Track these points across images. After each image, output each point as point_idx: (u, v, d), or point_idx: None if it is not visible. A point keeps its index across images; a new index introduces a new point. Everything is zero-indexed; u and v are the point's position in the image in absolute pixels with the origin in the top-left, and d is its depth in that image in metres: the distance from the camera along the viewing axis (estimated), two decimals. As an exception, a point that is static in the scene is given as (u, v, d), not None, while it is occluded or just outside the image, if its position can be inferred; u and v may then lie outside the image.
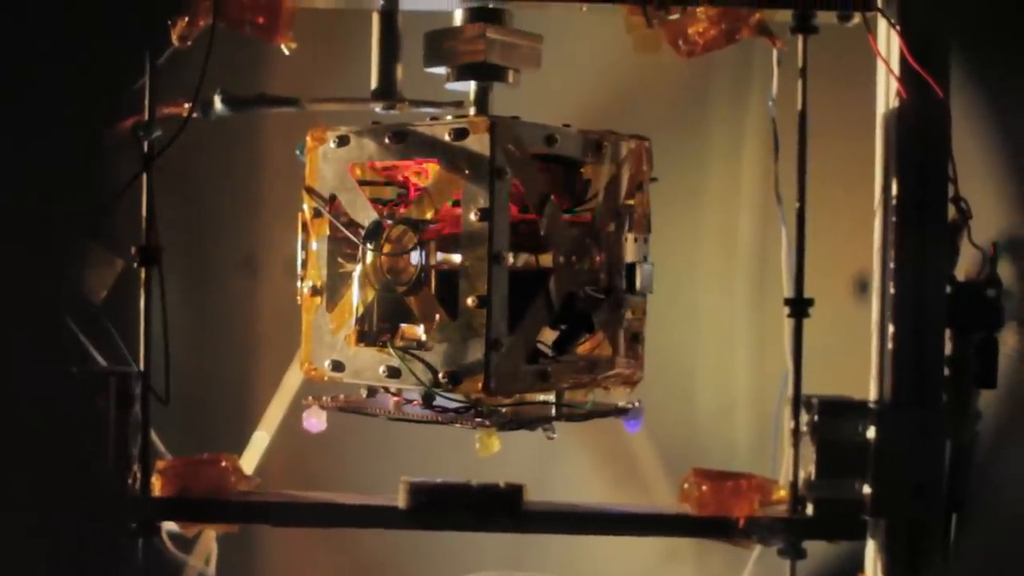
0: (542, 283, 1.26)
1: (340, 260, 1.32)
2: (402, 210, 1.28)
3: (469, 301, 1.21)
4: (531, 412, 1.31)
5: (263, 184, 1.85)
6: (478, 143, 1.21)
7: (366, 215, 1.29)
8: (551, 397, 1.32)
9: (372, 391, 1.33)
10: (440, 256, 1.28)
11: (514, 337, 1.23)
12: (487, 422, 1.26)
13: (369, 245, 1.27)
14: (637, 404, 1.38)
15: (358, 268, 1.28)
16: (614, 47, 1.50)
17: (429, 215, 1.25)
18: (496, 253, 1.20)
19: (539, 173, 1.27)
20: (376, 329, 1.29)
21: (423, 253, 1.25)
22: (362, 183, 1.32)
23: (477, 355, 1.21)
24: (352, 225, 1.29)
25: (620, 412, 1.37)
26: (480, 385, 1.21)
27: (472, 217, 1.21)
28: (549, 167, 1.29)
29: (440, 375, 1.23)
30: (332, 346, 1.31)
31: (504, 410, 1.27)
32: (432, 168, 1.28)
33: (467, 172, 1.21)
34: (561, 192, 1.31)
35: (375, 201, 1.31)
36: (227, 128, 1.48)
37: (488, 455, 1.28)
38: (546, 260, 1.29)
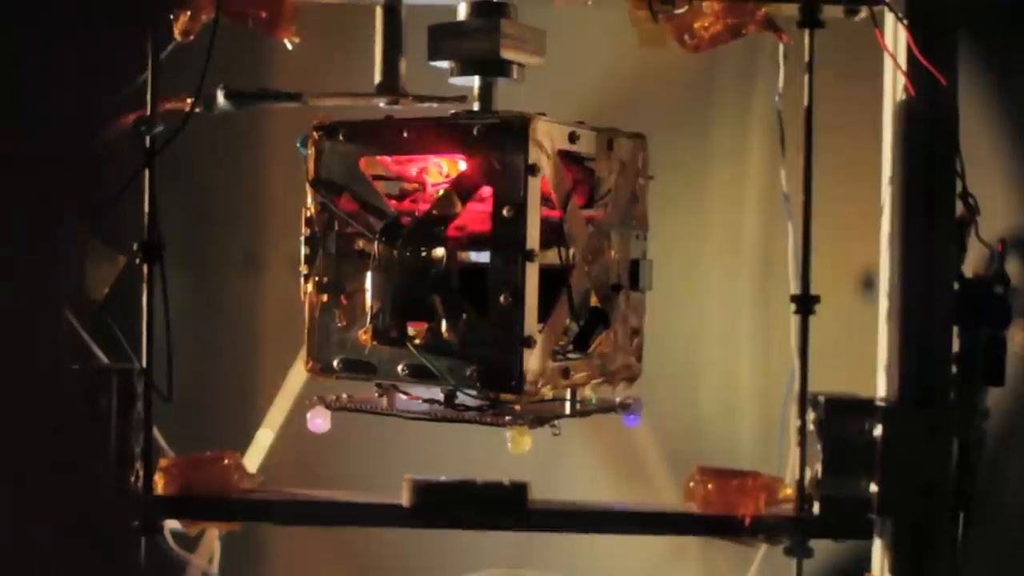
0: (562, 280, 1.25)
1: (350, 256, 1.31)
2: (423, 206, 1.27)
3: (501, 299, 1.20)
4: (544, 409, 1.30)
5: (266, 180, 1.85)
6: (512, 139, 1.20)
7: (382, 211, 1.27)
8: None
9: (384, 389, 1.31)
10: (463, 253, 1.27)
11: (543, 334, 1.22)
12: (520, 420, 1.24)
13: (386, 241, 1.25)
14: (637, 399, 1.38)
15: (372, 265, 1.27)
16: (618, 42, 1.49)
17: (455, 211, 1.24)
18: (529, 250, 1.20)
19: (564, 170, 1.26)
20: (390, 327, 1.28)
21: (448, 250, 1.24)
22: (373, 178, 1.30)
23: (510, 353, 1.20)
24: (364, 220, 1.28)
25: (623, 407, 1.37)
26: (514, 383, 1.20)
27: (505, 214, 1.20)
28: (568, 164, 1.29)
29: (468, 373, 1.22)
30: (342, 345, 1.29)
31: (517, 407, 1.26)
32: (447, 163, 1.28)
33: (500, 169, 1.21)
34: (578, 189, 1.30)
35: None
36: (231, 123, 1.48)
37: (520, 453, 1.27)
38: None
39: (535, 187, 1.20)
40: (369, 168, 1.30)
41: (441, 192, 1.26)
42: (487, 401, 1.24)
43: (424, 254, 1.24)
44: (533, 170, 1.20)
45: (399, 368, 1.26)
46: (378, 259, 1.26)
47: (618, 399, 1.38)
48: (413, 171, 1.31)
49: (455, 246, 1.25)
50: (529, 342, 1.20)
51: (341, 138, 1.29)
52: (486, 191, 1.22)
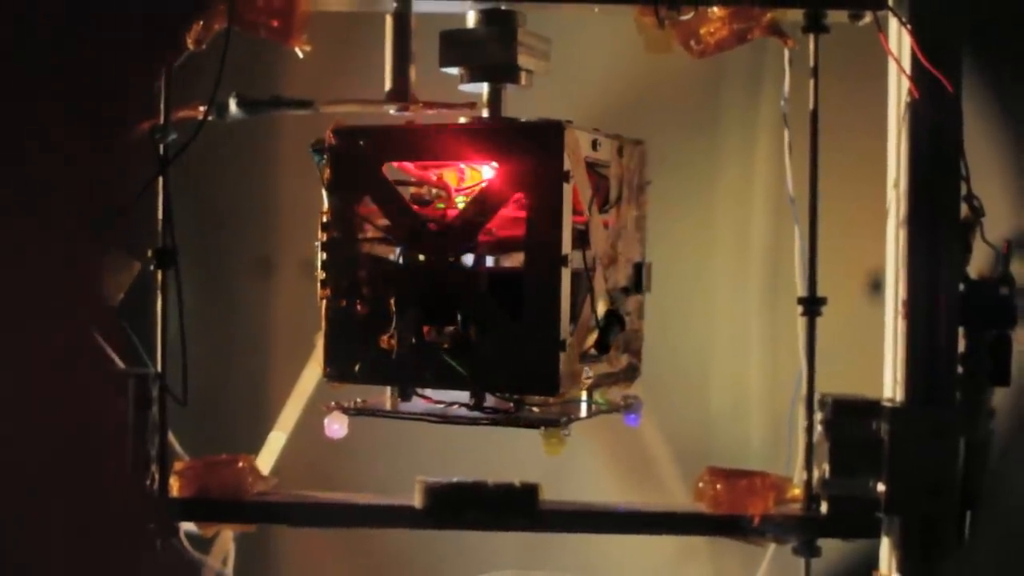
0: (585, 283, 1.26)
1: (368, 261, 1.30)
2: (451, 212, 1.28)
3: (536, 303, 1.21)
4: (560, 411, 1.31)
5: (277, 185, 1.86)
6: (547, 146, 1.21)
7: (405, 216, 1.27)
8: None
9: (406, 394, 1.31)
10: (492, 258, 1.28)
11: (573, 337, 1.23)
12: (557, 422, 1.25)
13: (413, 246, 1.26)
14: (636, 398, 1.39)
15: (397, 269, 1.27)
16: (625, 48, 1.50)
17: (486, 217, 1.25)
18: (564, 256, 1.21)
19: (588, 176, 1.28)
20: (414, 332, 1.27)
21: (479, 255, 1.25)
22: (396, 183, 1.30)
23: (546, 356, 1.21)
24: (386, 225, 1.28)
25: (626, 407, 1.38)
26: (550, 386, 1.21)
27: (538, 220, 1.21)
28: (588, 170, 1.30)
29: (500, 377, 1.23)
30: (362, 351, 1.29)
31: (535, 409, 1.27)
32: (469, 169, 1.28)
33: (534, 175, 1.21)
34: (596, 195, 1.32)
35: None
36: (241, 130, 1.49)
37: (554, 455, 1.28)
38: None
39: (569, 193, 1.21)
40: (400, 174, 1.31)
41: (461, 198, 1.27)
42: (511, 404, 1.25)
43: (453, 259, 1.25)
44: (567, 177, 1.21)
45: (422, 372, 1.26)
46: (403, 264, 1.26)
47: (619, 398, 1.40)
48: (432, 177, 1.31)
49: (486, 251, 1.25)
50: (564, 345, 1.21)
51: (361, 143, 1.29)
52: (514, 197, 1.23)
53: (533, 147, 1.22)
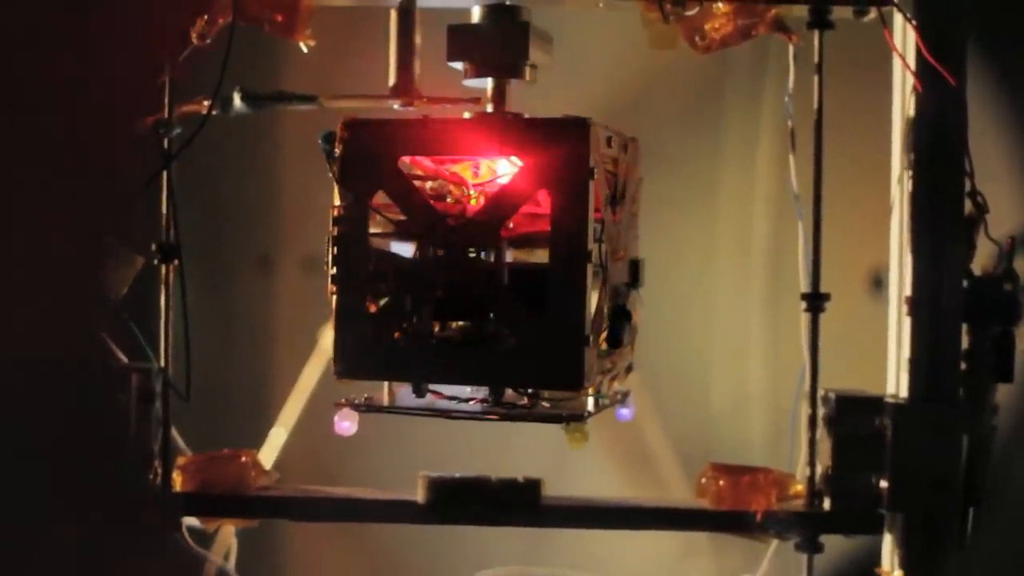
0: (598, 279, 1.26)
1: (380, 256, 1.28)
2: (471, 208, 1.27)
3: (560, 298, 1.21)
4: (568, 406, 1.31)
5: (281, 181, 1.86)
6: (573, 142, 1.21)
7: (422, 210, 1.26)
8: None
9: (420, 390, 1.29)
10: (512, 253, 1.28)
11: (592, 332, 1.23)
12: (583, 416, 1.25)
13: (433, 241, 1.25)
14: (628, 393, 1.39)
15: (413, 264, 1.26)
16: (629, 43, 1.50)
17: (508, 212, 1.24)
18: (589, 251, 1.21)
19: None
20: (429, 328, 1.26)
21: (500, 251, 1.25)
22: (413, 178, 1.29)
23: (571, 351, 1.21)
24: (403, 220, 1.27)
25: (621, 401, 1.39)
26: (575, 381, 1.21)
27: (563, 216, 1.21)
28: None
29: (522, 372, 1.22)
30: (373, 346, 1.27)
31: (546, 404, 1.27)
32: (484, 165, 1.28)
33: (559, 171, 1.21)
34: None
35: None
36: (243, 125, 1.49)
37: (577, 449, 1.28)
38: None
39: (592, 190, 1.21)
40: (414, 169, 1.30)
41: (473, 193, 1.27)
42: (527, 399, 1.25)
43: (473, 254, 1.24)
44: (592, 173, 1.21)
45: (438, 368, 1.26)
46: (420, 259, 1.26)
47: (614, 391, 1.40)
48: (446, 172, 1.30)
49: (508, 246, 1.25)
50: (587, 340, 1.21)
51: (374, 136, 1.26)
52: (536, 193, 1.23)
53: (559, 143, 1.21)
